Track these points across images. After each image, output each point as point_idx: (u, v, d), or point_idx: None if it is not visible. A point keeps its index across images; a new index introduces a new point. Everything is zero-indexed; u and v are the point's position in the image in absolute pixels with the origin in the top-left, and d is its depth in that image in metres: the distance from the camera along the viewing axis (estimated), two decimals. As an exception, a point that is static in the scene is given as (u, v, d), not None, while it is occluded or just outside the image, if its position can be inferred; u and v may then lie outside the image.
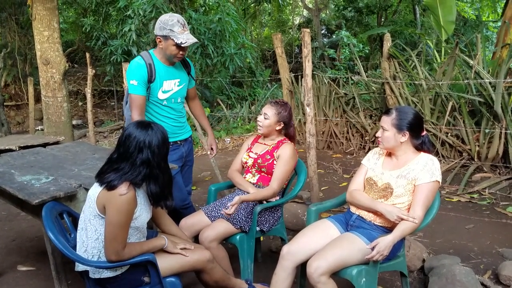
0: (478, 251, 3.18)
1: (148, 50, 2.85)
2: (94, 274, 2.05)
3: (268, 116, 2.78)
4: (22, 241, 3.70)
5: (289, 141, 2.84)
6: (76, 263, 2.08)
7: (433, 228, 3.54)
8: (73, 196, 2.42)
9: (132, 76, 2.70)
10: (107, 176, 1.98)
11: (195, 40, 2.70)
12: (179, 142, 2.96)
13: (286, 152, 2.75)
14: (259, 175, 2.83)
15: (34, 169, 2.84)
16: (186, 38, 2.65)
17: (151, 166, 2.00)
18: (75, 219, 2.31)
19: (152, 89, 2.76)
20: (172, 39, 2.63)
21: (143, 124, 2.06)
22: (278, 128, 2.80)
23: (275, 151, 2.78)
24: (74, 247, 2.12)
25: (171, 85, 2.83)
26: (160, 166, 2.05)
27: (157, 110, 2.83)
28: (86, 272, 2.07)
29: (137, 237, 2.13)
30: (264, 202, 2.75)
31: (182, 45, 2.64)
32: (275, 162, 2.75)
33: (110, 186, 1.94)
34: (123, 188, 1.93)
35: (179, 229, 2.46)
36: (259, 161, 2.79)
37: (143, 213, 2.09)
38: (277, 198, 2.81)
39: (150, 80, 2.73)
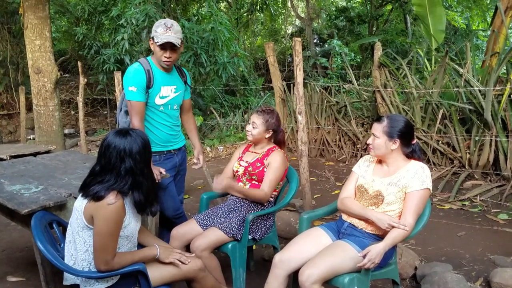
0: (470, 258, 3.19)
1: (145, 57, 2.85)
2: (85, 286, 2.02)
3: (256, 125, 2.79)
4: (12, 251, 3.66)
5: (279, 149, 2.85)
6: (64, 276, 2.06)
7: (425, 235, 3.54)
8: (63, 205, 2.41)
9: (131, 82, 2.68)
10: (92, 188, 1.95)
11: (173, 40, 2.64)
12: (173, 151, 2.94)
13: (275, 159, 2.76)
14: (250, 184, 2.82)
15: (24, 178, 2.82)
16: (163, 38, 2.63)
17: (134, 173, 1.98)
18: (65, 229, 2.28)
19: (150, 95, 2.75)
20: (154, 39, 2.67)
21: (122, 132, 2.03)
22: (267, 136, 2.82)
23: (265, 158, 2.79)
24: (64, 258, 2.09)
25: (168, 91, 2.83)
26: (144, 172, 2.03)
27: (153, 116, 2.82)
28: (76, 286, 2.05)
29: (128, 247, 2.11)
30: (256, 207, 2.76)
31: (157, 44, 2.64)
32: (265, 169, 2.76)
33: (97, 197, 1.91)
34: (111, 198, 1.91)
35: (158, 239, 2.39)
36: (249, 169, 2.80)
37: (132, 221, 2.07)
38: (268, 206, 2.81)
39: (149, 86, 2.72)
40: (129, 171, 1.97)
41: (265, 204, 2.80)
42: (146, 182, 2.04)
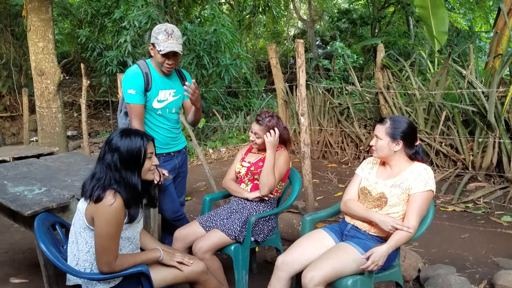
0: (473, 260, 3.17)
1: (145, 59, 2.85)
2: (87, 287, 2.02)
3: (260, 134, 2.78)
4: (15, 253, 3.66)
5: (282, 149, 2.84)
6: (67, 277, 2.06)
7: (428, 237, 3.53)
8: (66, 207, 2.40)
9: (129, 85, 2.68)
10: (88, 187, 1.98)
11: (176, 48, 2.65)
12: (172, 154, 2.93)
13: (279, 158, 2.77)
14: (252, 184, 2.82)
15: (27, 180, 2.82)
16: (166, 46, 2.63)
17: (118, 170, 1.98)
18: (68, 231, 2.28)
19: (147, 98, 2.75)
20: (156, 47, 2.65)
21: (126, 131, 2.05)
22: None
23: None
24: (67, 259, 2.09)
25: (166, 95, 2.82)
26: (127, 173, 2.00)
27: (151, 119, 2.82)
28: (79, 286, 2.04)
29: (130, 248, 2.11)
30: (258, 209, 2.75)
31: (160, 53, 2.63)
32: None
33: (96, 198, 1.92)
34: (109, 197, 1.92)
35: (160, 244, 2.37)
36: (252, 168, 2.80)
37: (132, 223, 2.07)
38: (270, 208, 2.80)
39: (147, 88, 2.72)
40: (109, 165, 1.98)
41: (268, 205, 2.80)
42: (127, 183, 2.01)
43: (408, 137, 2.27)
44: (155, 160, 2.13)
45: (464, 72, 4.85)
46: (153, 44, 2.69)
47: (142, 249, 2.24)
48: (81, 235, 2.01)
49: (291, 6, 15.10)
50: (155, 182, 2.36)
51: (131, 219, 2.05)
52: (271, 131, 2.73)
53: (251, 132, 2.83)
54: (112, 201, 1.91)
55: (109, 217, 1.91)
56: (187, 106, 3.02)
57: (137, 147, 2.01)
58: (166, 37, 2.64)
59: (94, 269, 2.01)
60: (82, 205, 2.01)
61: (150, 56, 2.82)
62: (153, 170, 2.13)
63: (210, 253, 2.55)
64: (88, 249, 2.00)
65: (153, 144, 2.12)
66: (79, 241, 2.01)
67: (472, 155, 4.68)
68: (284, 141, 2.87)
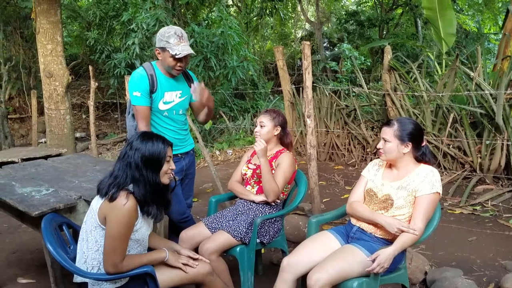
0: (480, 263, 3.15)
1: (150, 62, 2.86)
2: (94, 286, 2.04)
3: (264, 123, 2.80)
4: (23, 253, 3.69)
5: (286, 151, 2.85)
6: (75, 274, 2.08)
7: (435, 240, 3.51)
8: (73, 207, 2.43)
9: (135, 87, 2.70)
10: (104, 185, 2.00)
11: (190, 51, 2.69)
12: (179, 155, 2.93)
13: (284, 161, 2.77)
14: (258, 186, 2.83)
15: (34, 181, 2.85)
16: (181, 50, 2.64)
17: (139, 169, 2.00)
18: (75, 231, 2.30)
19: (153, 100, 2.77)
20: (168, 51, 2.65)
21: (147, 134, 2.10)
22: (276, 132, 2.83)
23: (274, 160, 2.80)
24: (74, 259, 2.11)
25: (172, 97, 2.83)
26: (148, 172, 2.03)
27: (157, 121, 2.83)
28: (85, 284, 2.06)
29: (138, 250, 2.12)
30: (264, 211, 2.76)
31: (176, 56, 2.64)
32: (273, 172, 2.75)
33: (111, 198, 1.94)
34: (122, 198, 1.93)
35: (169, 241, 2.40)
36: (257, 171, 2.80)
37: (143, 226, 2.09)
38: (276, 209, 2.80)
39: (152, 90, 2.73)
40: (130, 163, 2.00)
41: (273, 206, 2.80)
42: (147, 182, 2.04)
43: (415, 139, 2.26)
44: (172, 165, 2.16)
45: (472, 74, 4.82)
46: (162, 48, 2.68)
47: (151, 249, 2.25)
48: (91, 234, 2.03)
49: (299, 8, 15.11)
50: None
51: (149, 215, 2.08)
52: (256, 140, 2.73)
53: (256, 126, 2.85)
54: (125, 201, 1.93)
55: (121, 218, 1.93)
56: (196, 107, 3.02)
57: (158, 149, 2.05)
58: (178, 40, 2.65)
59: (102, 268, 2.02)
60: (96, 203, 2.03)
61: (157, 58, 2.83)
62: (169, 174, 2.15)
63: (216, 255, 2.56)
64: (97, 248, 2.02)
65: (171, 148, 2.15)
66: (89, 239, 2.03)
67: (480, 157, 4.64)
68: (286, 145, 2.89)
